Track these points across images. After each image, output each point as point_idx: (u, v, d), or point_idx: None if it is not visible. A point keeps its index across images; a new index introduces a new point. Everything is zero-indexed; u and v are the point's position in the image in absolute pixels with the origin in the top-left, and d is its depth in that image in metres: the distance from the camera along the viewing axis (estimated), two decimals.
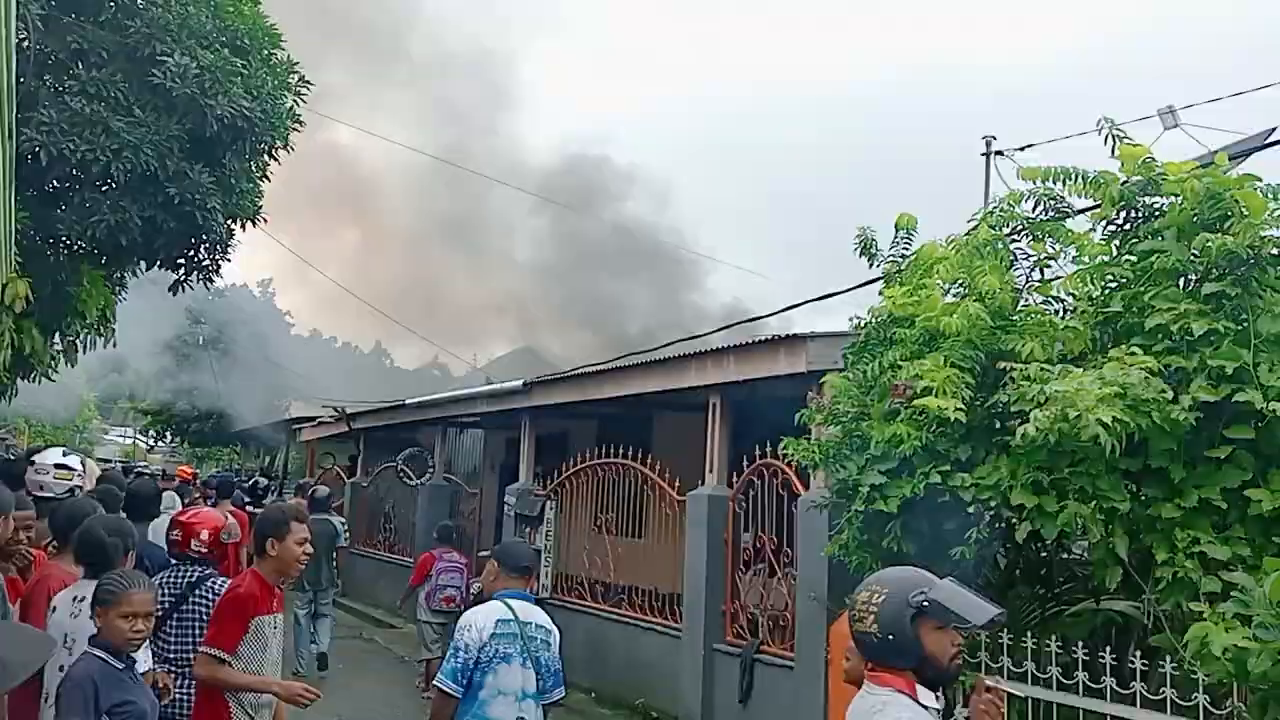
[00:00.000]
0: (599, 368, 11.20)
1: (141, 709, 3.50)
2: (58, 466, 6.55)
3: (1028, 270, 5.72)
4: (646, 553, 10.08)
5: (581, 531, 11.41)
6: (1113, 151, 5.11)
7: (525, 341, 30.88)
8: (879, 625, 2.69)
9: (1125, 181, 5.10)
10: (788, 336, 7.70)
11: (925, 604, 2.70)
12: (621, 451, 10.36)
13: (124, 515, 5.64)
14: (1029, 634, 5.21)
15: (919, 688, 2.68)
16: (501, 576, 4.73)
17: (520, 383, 12.12)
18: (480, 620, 4.50)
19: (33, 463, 7.39)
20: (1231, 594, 3.65)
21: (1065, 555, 5.61)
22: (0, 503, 4.14)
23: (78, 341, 13.42)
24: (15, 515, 4.75)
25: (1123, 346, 4.50)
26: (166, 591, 4.90)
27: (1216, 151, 5.64)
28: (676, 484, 9.53)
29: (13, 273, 9.44)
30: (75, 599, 3.99)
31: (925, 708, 2.67)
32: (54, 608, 4.11)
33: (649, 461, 10.05)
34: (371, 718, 8.98)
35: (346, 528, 11.88)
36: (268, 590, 4.42)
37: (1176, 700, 4.43)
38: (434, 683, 4.56)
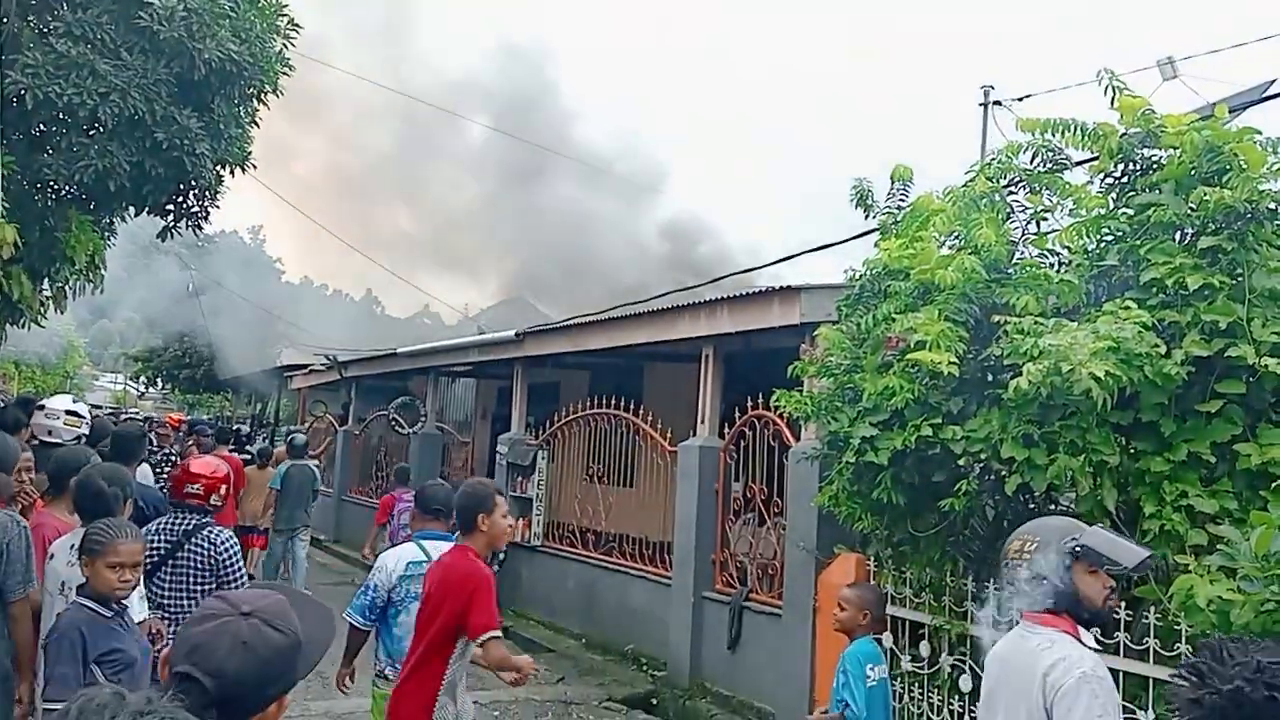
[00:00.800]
0: (591, 318, 11.19)
1: (131, 656, 3.52)
2: (68, 413, 6.56)
3: (1024, 223, 5.69)
4: (638, 502, 10.15)
5: (573, 481, 11.48)
6: (1112, 103, 5.06)
7: (519, 290, 30.75)
8: (1034, 571, 2.89)
9: (1124, 134, 5.06)
10: (781, 288, 7.68)
11: (1078, 549, 2.88)
12: (614, 402, 10.38)
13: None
14: None
15: (1079, 629, 2.88)
16: (419, 518, 5.08)
17: (513, 333, 12.11)
18: (392, 562, 4.84)
19: (42, 408, 7.39)
20: (1218, 547, 3.68)
21: (1054, 507, 5.65)
22: (4, 458, 4.16)
23: (67, 288, 13.34)
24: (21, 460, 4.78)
25: (1117, 300, 4.49)
26: (163, 538, 4.92)
27: (1216, 103, 5.60)
28: (668, 435, 9.57)
29: (0, 218, 9.35)
30: (73, 547, 4.00)
31: (1088, 647, 2.86)
32: (52, 555, 4.13)
33: (641, 412, 10.08)
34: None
35: (323, 470, 12.57)
36: None
37: (1159, 650, 4.50)
38: (343, 615, 4.55)
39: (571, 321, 11.69)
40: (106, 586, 3.52)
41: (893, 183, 6.10)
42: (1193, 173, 4.71)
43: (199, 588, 4.90)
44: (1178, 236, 4.78)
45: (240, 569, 5.04)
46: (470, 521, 4.23)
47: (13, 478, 4.68)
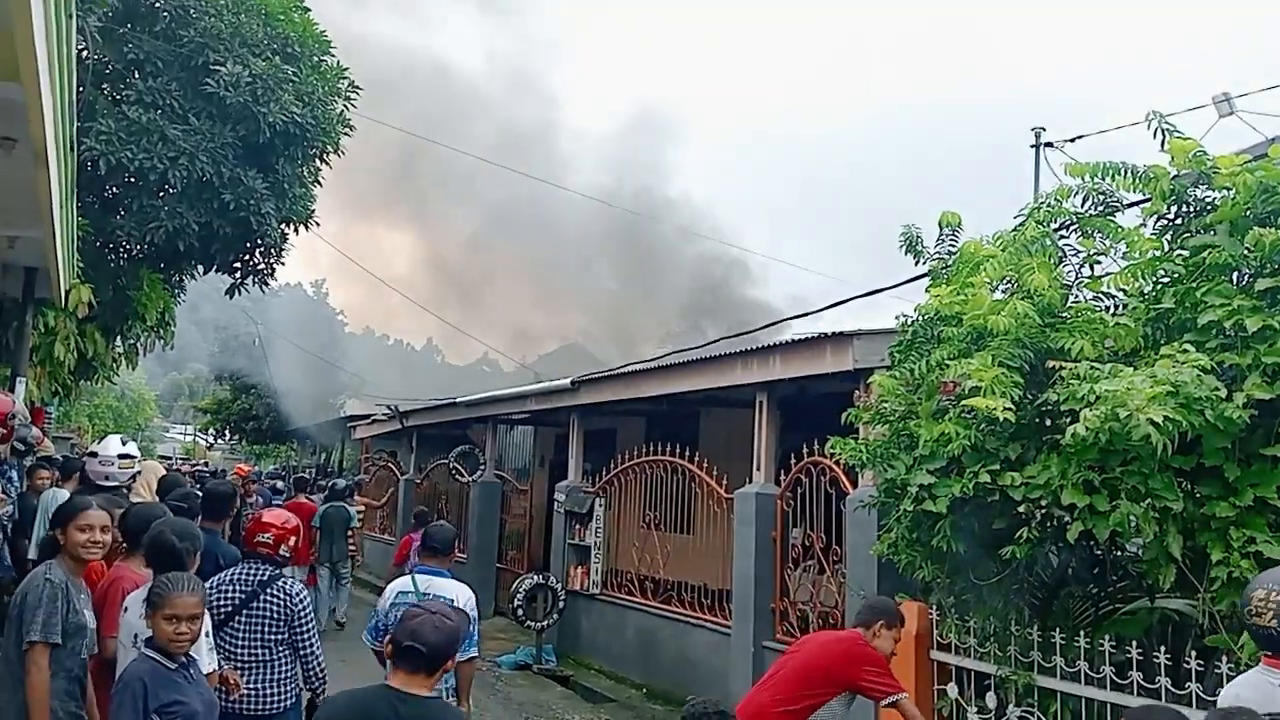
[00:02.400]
0: (646, 365, 11.25)
1: (192, 709, 3.57)
2: (121, 457, 6.75)
3: (1077, 267, 5.64)
4: (695, 549, 10.12)
5: (631, 528, 11.48)
6: (1162, 145, 5.03)
7: (575, 338, 31.01)
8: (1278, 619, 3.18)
9: (1176, 175, 5.02)
10: (834, 334, 7.67)
11: None
12: (669, 449, 10.40)
13: (200, 516, 5.83)
14: (1082, 633, 5.17)
15: None
16: (423, 555, 5.78)
17: (568, 381, 12.21)
18: (388, 591, 5.60)
19: (94, 454, 7.62)
20: None
21: (1119, 553, 5.54)
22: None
23: (138, 344, 13.80)
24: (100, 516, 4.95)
25: (1175, 344, 4.43)
26: (236, 589, 5.04)
27: (1272, 141, 5.53)
28: (724, 481, 9.55)
29: (76, 279, 9.73)
30: (144, 600, 4.12)
31: None
32: (125, 608, 4.24)
33: (697, 459, 10.08)
34: None
35: (361, 515, 14.25)
36: None
37: None
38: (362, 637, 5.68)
39: (626, 369, 11.76)
40: (163, 638, 3.60)
41: (941, 229, 6.09)
42: (1247, 214, 4.65)
43: (273, 637, 4.99)
44: (1234, 278, 4.71)
45: (312, 619, 5.15)
46: None
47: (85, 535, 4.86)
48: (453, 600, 5.22)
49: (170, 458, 39.84)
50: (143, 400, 40.63)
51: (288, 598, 5.05)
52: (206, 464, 31.26)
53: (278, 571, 5.15)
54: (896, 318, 6.08)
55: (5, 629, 4.04)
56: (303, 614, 5.07)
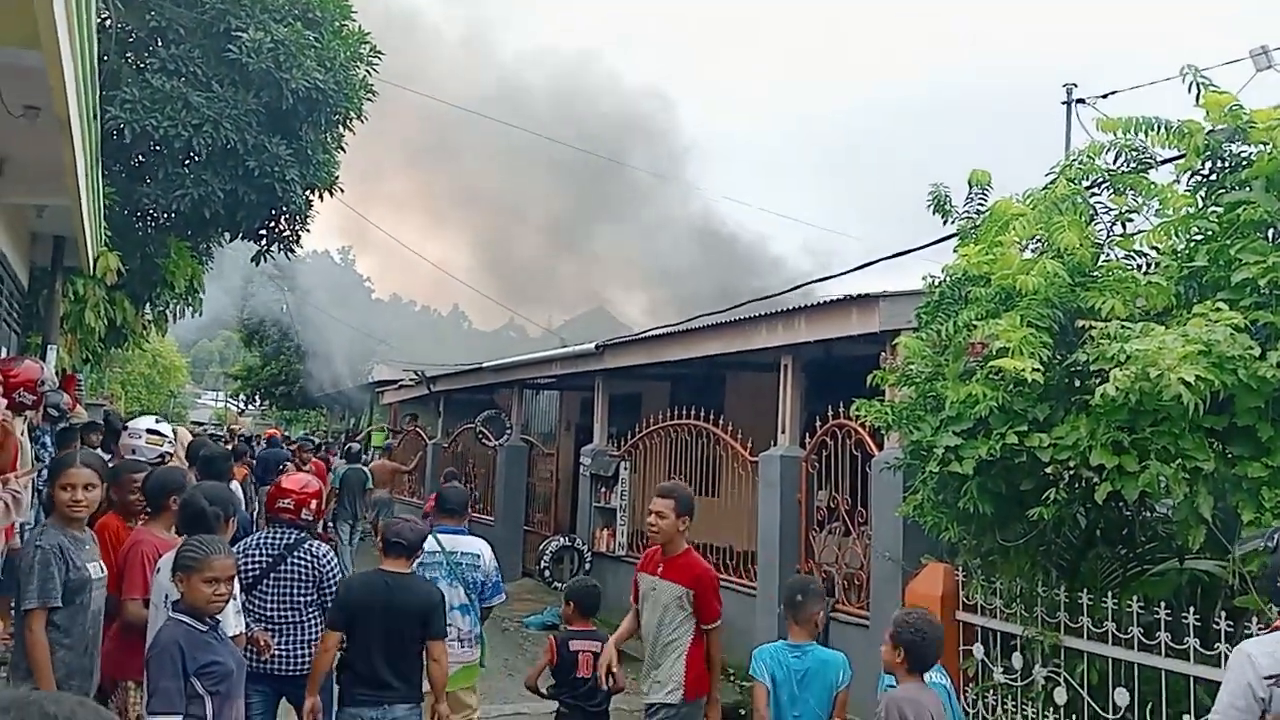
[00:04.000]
0: (670, 329, 11.22)
1: (228, 668, 3.63)
2: (149, 432, 6.83)
3: (1108, 225, 5.54)
4: (720, 512, 10.14)
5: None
6: (1198, 99, 4.91)
7: (598, 303, 31.00)
8: None
9: (1211, 130, 4.91)
10: (859, 296, 7.60)
11: None
12: (694, 412, 10.39)
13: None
14: (1109, 594, 5.13)
15: None
16: (438, 515, 6.28)
17: (593, 345, 12.21)
18: None
19: (125, 428, 7.72)
20: None
21: (1148, 514, 5.49)
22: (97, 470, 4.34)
23: (167, 311, 13.92)
24: (131, 477, 5.02)
25: (1208, 302, 4.35)
26: (263, 553, 5.11)
27: None
28: (749, 444, 9.54)
29: (104, 247, 9.81)
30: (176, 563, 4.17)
31: None
32: (158, 569, 4.31)
33: (721, 422, 10.07)
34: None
35: (371, 477, 14.58)
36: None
37: None
38: None
39: (650, 333, 11.75)
40: (203, 601, 3.64)
41: (970, 188, 6.00)
42: None
43: (302, 599, 5.07)
44: (1270, 234, 4.61)
45: (338, 579, 5.22)
46: None
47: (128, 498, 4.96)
48: (478, 555, 5.86)
49: (202, 424, 40.34)
50: (174, 367, 41.03)
51: (315, 559, 5.12)
52: (222, 429, 31.57)
53: (303, 535, 5.22)
54: (923, 278, 6.01)
55: (12, 594, 4.12)
56: (330, 575, 5.14)
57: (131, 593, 4.47)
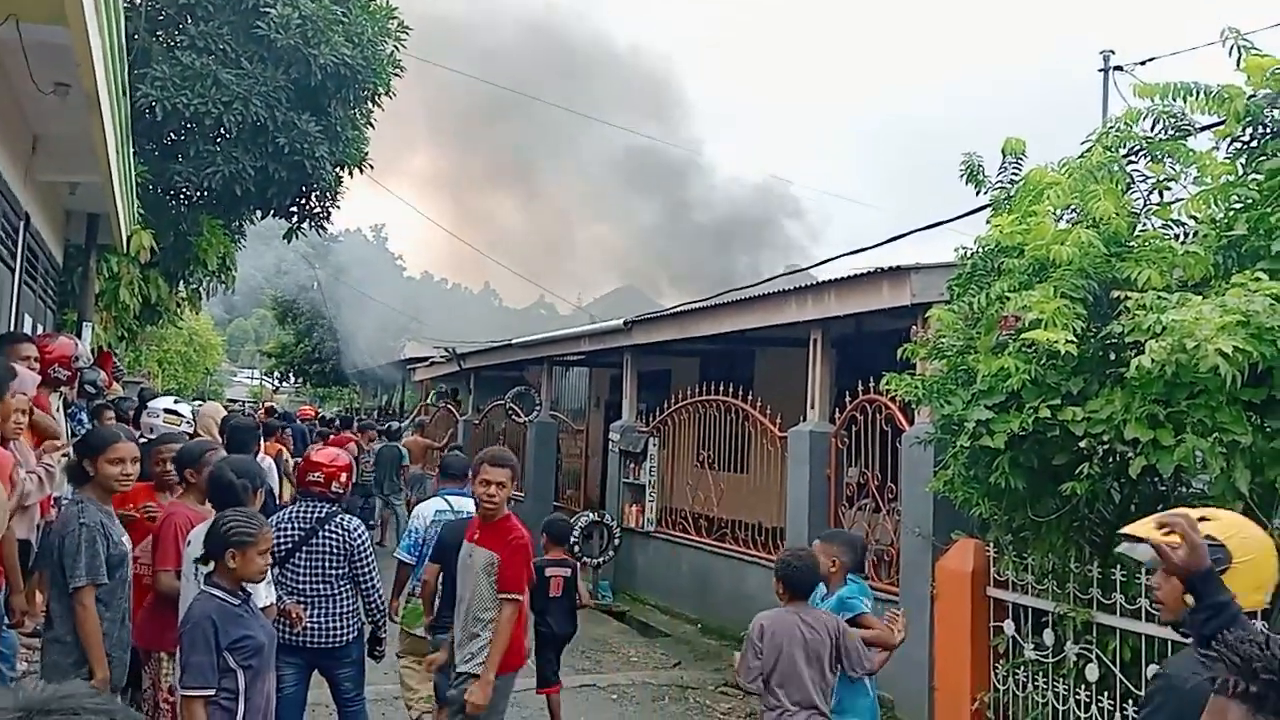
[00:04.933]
0: (698, 305, 11.17)
1: (259, 642, 3.65)
2: (167, 411, 6.91)
3: (1145, 193, 5.42)
4: (749, 488, 10.11)
5: (685, 467, 11.50)
6: (1238, 63, 4.78)
7: (629, 280, 30.95)
8: None
9: (1252, 96, 4.77)
10: (890, 269, 7.51)
11: None
12: (723, 388, 10.36)
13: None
14: (1144, 570, 5.05)
15: None
16: (442, 479, 6.77)
17: (621, 321, 12.18)
18: (425, 510, 6.30)
19: (146, 407, 7.81)
20: None
21: (1184, 489, 5.40)
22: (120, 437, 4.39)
23: (200, 289, 14.05)
24: (163, 450, 5.08)
25: (1247, 272, 4.25)
26: (295, 526, 5.15)
27: None
28: (778, 420, 9.50)
29: (137, 224, 9.89)
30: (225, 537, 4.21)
31: None
32: (189, 542, 4.35)
33: (750, 398, 10.03)
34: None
35: (408, 453, 15.17)
36: None
37: None
38: (394, 554, 6.69)
39: (678, 309, 11.70)
40: (256, 572, 3.69)
41: (1004, 156, 5.89)
42: None
43: (334, 572, 5.11)
44: None
45: (371, 554, 5.27)
46: None
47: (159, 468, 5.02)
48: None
49: (237, 400, 40.81)
50: (209, 345, 41.46)
51: (346, 533, 5.15)
52: (256, 405, 31.92)
53: (335, 508, 5.25)
54: (955, 250, 5.93)
55: (51, 573, 4.15)
56: (361, 548, 5.17)
57: (164, 564, 4.52)
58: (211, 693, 3.47)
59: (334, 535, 5.14)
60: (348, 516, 5.30)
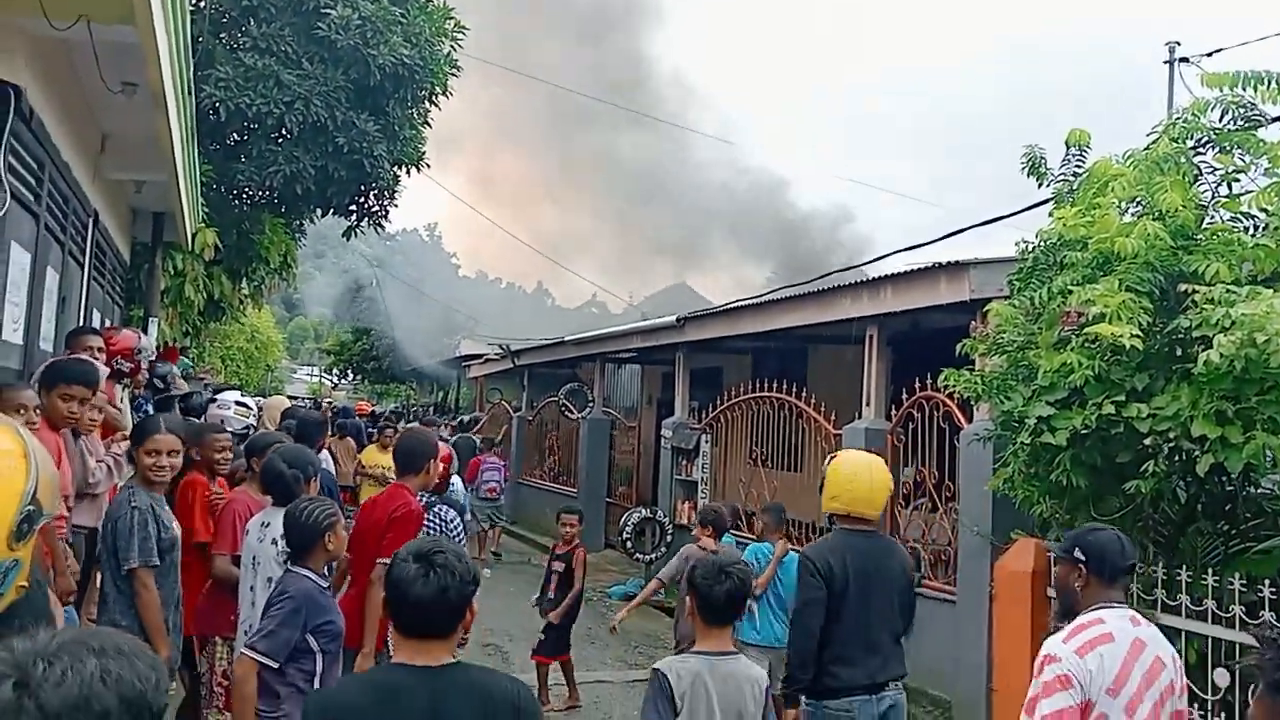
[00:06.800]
0: (751, 301, 11.12)
1: (340, 627, 3.69)
2: (237, 404, 7.06)
3: (1214, 185, 5.28)
4: (803, 486, 10.02)
5: (737, 464, 11.45)
6: None
7: (683, 278, 30.93)
8: None
9: None
10: (949, 264, 7.41)
11: None
12: (776, 385, 10.29)
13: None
14: (1210, 571, 4.93)
15: None
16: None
17: (674, 318, 12.17)
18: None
19: (215, 400, 7.98)
20: None
21: (1253, 489, 5.25)
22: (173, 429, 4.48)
23: (263, 286, 14.33)
24: (216, 438, 5.19)
25: None
26: None
27: None
28: (833, 417, 9.41)
29: (201, 223, 10.11)
30: (262, 524, 4.29)
31: None
32: (247, 530, 4.43)
33: (804, 395, 9.95)
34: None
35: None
36: None
37: None
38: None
39: (731, 305, 11.65)
40: (339, 553, 3.79)
41: (1068, 148, 5.77)
42: None
43: None
44: None
45: (464, 541, 5.39)
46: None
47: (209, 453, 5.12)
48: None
49: (297, 397, 41.50)
50: (271, 343, 42.22)
51: (444, 523, 5.32)
52: (332, 401, 32.45)
53: (434, 498, 5.38)
54: (1016, 244, 5.82)
55: (103, 557, 4.24)
56: (455, 537, 5.32)
57: (221, 548, 4.61)
58: (276, 666, 3.49)
59: (432, 525, 5.27)
60: (445, 507, 5.44)
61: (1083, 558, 3.15)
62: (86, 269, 7.71)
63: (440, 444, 5.73)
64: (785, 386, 10.19)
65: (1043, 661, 3.00)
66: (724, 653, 3.23)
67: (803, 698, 4.17)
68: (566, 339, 16.34)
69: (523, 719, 2.42)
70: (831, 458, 4.67)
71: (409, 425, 11.37)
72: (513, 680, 2.58)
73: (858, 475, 4.36)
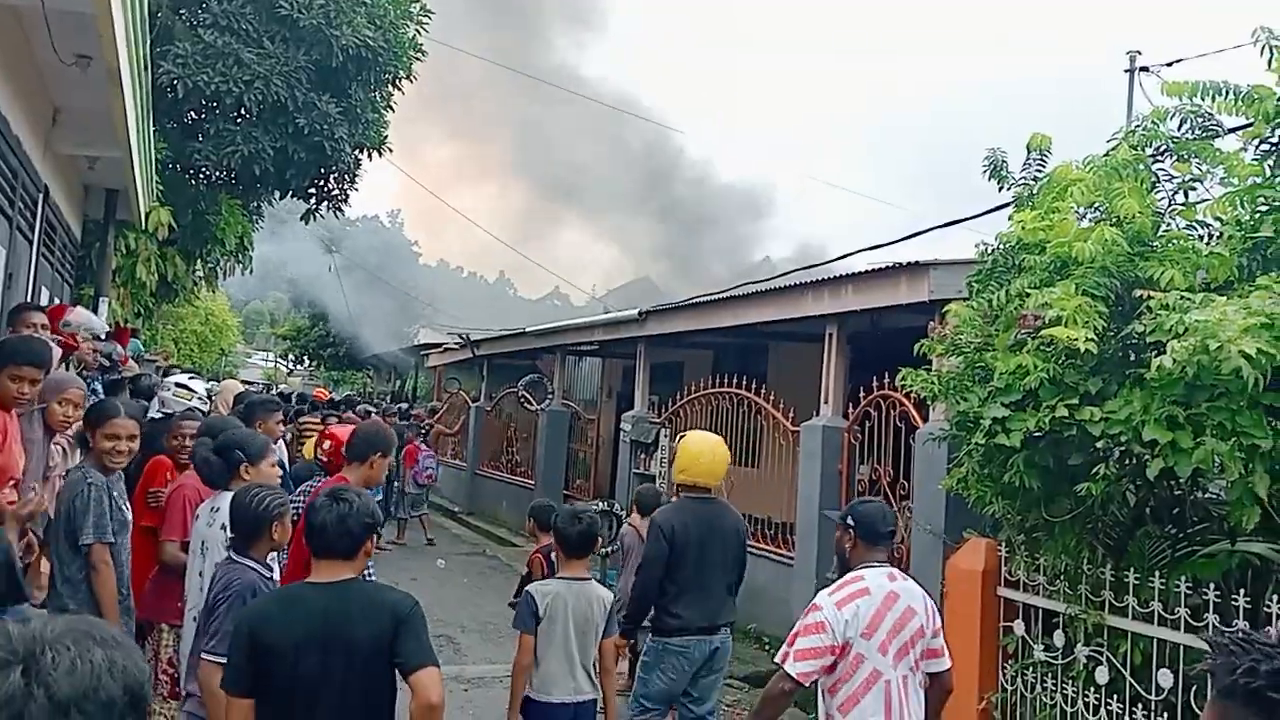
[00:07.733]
0: (714, 296, 11.13)
1: None
2: (179, 386, 6.93)
3: (1171, 193, 5.36)
4: (761, 481, 10.08)
5: None
6: (1269, 64, 4.71)
7: (643, 272, 30.89)
8: None
9: None
10: (909, 264, 7.46)
11: None
12: (736, 381, 10.31)
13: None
14: (1157, 574, 5.00)
15: None
16: None
17: (635, 312, 12.15)
18: None
19: (162, 382, 7.86)
20: None
21: (1200, 494, 5.33)
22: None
23: (217, 268, 14.09)
24: (182, 425, 5.10)
25: (1272, 274, 4.19)
26: (304, 499, 5.16)
27: None
28: (791, 414, 9.46)
29: (155, 201, 9.91)
30: (212, 509, 4.21)
31: None
32: (197, 515, 4.36)
33: (764, 392, 9.99)
34: (495, 623, 9.30)
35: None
36: None
37: None
38: None
39: (694, 300, 11.66)
40: (285, 540, 3.72)
41: (1029, 153, 5.83)
42: None
43: None
44: None
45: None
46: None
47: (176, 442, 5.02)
48: None
49: (252, 383, 40.92)
50: (225, 326, 41.60)
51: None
52: (289, 387, 32.06)
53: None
54: (976, 246, 5.88)
55: (52, 535, 4.14)
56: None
57: (170, 535, 4.53)
58: None
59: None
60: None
61: (853, 524, 3.90)
62: (35, 245, 7.52)
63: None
64: (745, 383, 10.21)
65: (809, 609, 3.71)
66: (578, 578, 4.32)
67: (649, 636, 5.09)
68: (527, 330, 16.26)
69: (401, 626, 2.84)
70: (680, 437, 5.81)
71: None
72: (406, 595, 3.01)
73: (702, 453, 5.53)
